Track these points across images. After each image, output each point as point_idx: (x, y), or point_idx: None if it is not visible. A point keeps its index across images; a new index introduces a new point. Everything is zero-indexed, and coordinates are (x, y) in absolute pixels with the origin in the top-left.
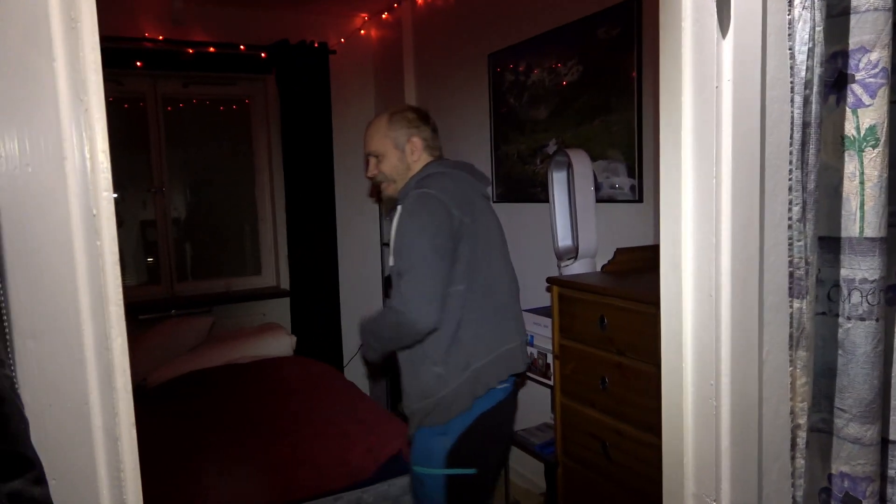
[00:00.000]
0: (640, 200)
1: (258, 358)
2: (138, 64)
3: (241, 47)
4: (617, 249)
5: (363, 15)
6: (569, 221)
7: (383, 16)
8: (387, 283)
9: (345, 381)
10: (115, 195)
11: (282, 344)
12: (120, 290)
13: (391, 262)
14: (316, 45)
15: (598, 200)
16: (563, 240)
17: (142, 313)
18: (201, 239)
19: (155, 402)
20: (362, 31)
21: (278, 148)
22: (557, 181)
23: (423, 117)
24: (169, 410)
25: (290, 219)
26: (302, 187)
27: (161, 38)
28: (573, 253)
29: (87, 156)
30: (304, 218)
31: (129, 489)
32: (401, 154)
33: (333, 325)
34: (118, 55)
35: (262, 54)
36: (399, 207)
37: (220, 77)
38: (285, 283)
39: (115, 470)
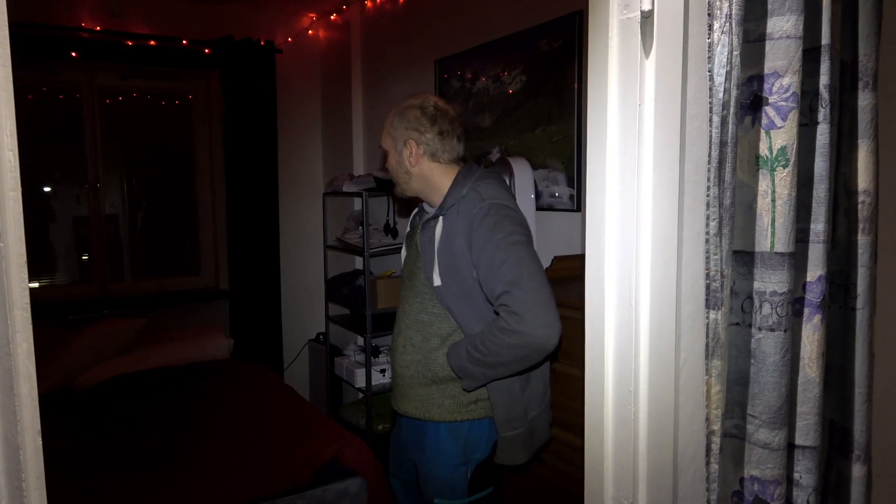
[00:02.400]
0: (579, 210)
1: (194, 361)
2: (73, 54)
3: (184, 42)
4: (555, 257)
5: (311, 15)
6: None
7: (332, 17)
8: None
9: (282, 384)
10: (47, 189)
11: (219, 347)
12: (27, 293)
13: (436, 280)
14: (262, 42)
15: (538, 208)
16: None
17: (73, 313)
18: (137, 237)
19: (83, 405)
20: (310, 32)
21: (220, 146)
22: None
23: (432, 117)
24: (98, 414)
25: (230, 218)
26: (244, 187)
27: (99, 28)
28: None
29: None
30: (246, 218)
31: (31, 500)
32: (398, 157)
33: (273, 327)
34: (52, 44)
35: (206, 50)
36: (441, 219)
37: (160, 71)
38: (224, 284)
39: (17, 480)
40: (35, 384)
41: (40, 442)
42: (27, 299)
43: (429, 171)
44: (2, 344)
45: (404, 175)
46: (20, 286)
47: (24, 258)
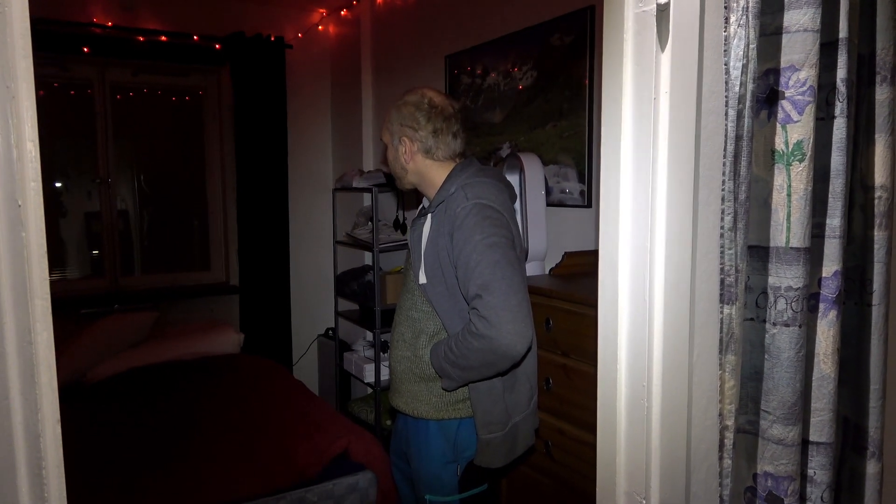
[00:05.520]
0: (589, 206)
1: (204, 355)
2: (85, 50)
3: (195, 37)
4: (565, 253)
5: (321, 10)
6: (520, 224)
7: (342, 12)
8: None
9: (293, 379)
10: (59, 185)
11: (229, 341)
12: (47, 283)
13: (421, 277)
14: (272, 38)
15: (549, 204)
16: None
17: (84, 307)
18: (148, 232)
19: (94, 399)
20: (320, 27)
21: (230, 141)
22: None
23: (426, 114)
24: (109, 408)
25: (241, 214)
26: (254, 182)
27: (110, 24)
28: (523, 255)
29: (14, 144)
30: (256, 213)
31: (51, 487)
32: (395, 152)
33: (283, 322)
34: (64, 40)
35: (217, 46)
36: (429, 217)
37: (171, 67)
38: (234, 279)
39: (37, 467)
40: (55, 374)
41: (60, 430)
42: (47, 289)
43: (424, 167)
44: (23, 333)
45: (400, 170)
46: (41, 276)
47: (45, 248)
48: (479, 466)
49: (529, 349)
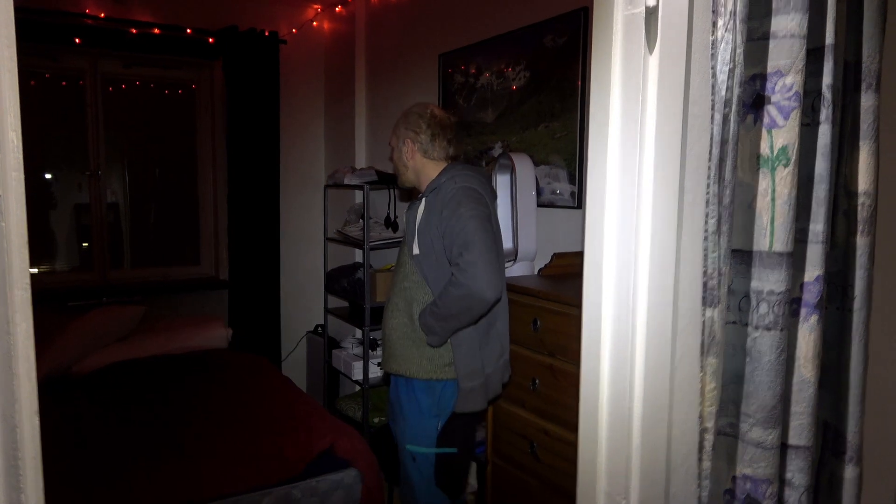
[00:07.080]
0: (580, 207)
1: (192, 350)
2: (77, 41)
3: (188, 31)
4: (555, 254)
5: (316, 6)
6: (510, 224)
7: (337, 9)
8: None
9: (280, 375)
10: (49, 176)
11: (217, 336)
12: (27, 273)
13: (415, 249)
14: (266, 33)
15: (539, 205)
16: (504, 242)
17: (72, 300)
18: (138, 225)
19: (80, 392)
20: (315, 23)
21: (222, 136)
22: (501, 184)
23: (427, 121)
24: (95, 401)
25: (231, 209)
26: (245, 177)
27: (103, 15)
28: (512, 255)
29: None
30: (247, 208)
31: (28, 479)
32: (399, 153)
33: (272, 318)
34: (55, 30)
35: (210, 39)
36: (423, 200)
37: (164, 60)
38: (224, 274)
39: (13, 459)
40: (34, 365)
41: (38, 422)
42: (27, 279)
43: (421, 165)
44: (1, 324)
45: (402, 167)
46: (21, 266)
47: (26, 238)
48: (453, 430)
49: (499, 300)
